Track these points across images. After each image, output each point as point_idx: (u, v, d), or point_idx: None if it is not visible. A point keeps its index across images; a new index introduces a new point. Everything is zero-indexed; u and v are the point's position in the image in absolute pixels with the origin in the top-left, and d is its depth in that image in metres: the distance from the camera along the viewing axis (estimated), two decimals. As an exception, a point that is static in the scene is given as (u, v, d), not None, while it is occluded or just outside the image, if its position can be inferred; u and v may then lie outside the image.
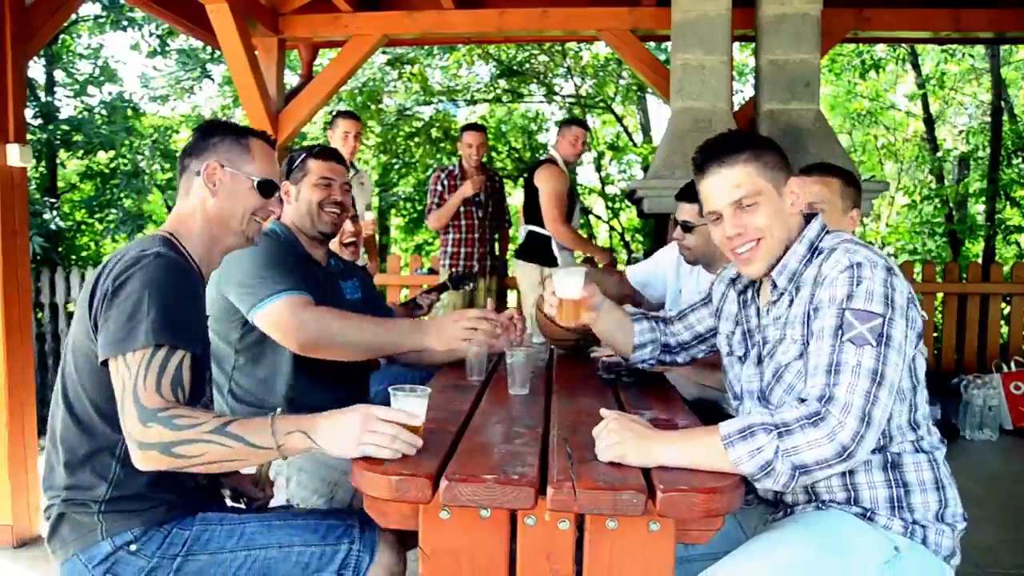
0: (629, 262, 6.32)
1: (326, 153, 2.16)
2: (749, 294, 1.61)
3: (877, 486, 1.39)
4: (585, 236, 4.41)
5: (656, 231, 5.77)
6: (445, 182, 4.65)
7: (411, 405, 1.32)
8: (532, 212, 4.34)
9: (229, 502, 1.71)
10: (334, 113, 4.66)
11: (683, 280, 2.70)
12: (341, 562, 1.44)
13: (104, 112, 8.62)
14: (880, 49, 9.58)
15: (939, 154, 9.49)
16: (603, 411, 1.35)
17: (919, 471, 1.40)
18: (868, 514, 1.39)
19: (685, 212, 2.44)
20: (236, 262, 1.89)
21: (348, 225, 2.64)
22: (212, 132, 1.59)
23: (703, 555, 1.55)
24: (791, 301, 1.46)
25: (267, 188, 1.59)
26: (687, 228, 2.43)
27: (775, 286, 1.49)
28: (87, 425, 1.40)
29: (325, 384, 2.01)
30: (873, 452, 1.38)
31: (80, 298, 1.43)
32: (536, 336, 2.67)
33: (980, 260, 8.51)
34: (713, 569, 1.32)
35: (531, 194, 4.36)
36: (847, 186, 2.02)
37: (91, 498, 1.39)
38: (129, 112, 8.84)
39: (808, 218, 1.51)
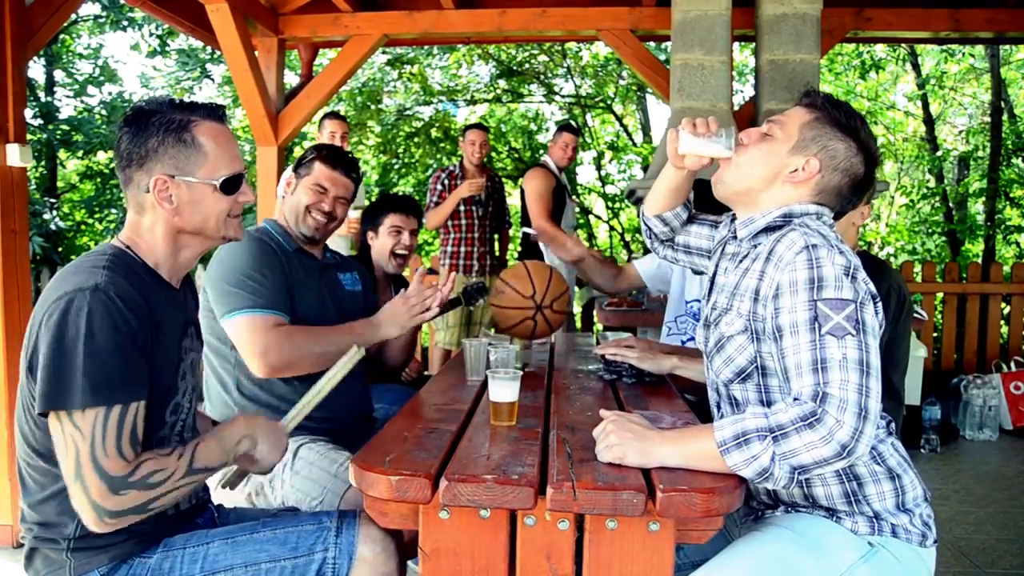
0: (628, 261, 6.34)
1: (335, 160, 2.13)
2: (726, 237, 1.59)
3: (829, 482, 1.38)
4: (568, 235, 4.50)
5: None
6: (446, 182, 4.66)
7: (508, 386, 1.49)
8: (525, 215, 4.52)
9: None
10: (321, 115, 4.69)
11: (687, 276, 2.68)
12: (316, 573, 1.38)
13: (104, 112, 8.63)
14: (880, 49, 9.59)
15: (939, 154, 9.49)
16: (603, 411, 1.35)
17: (867, 464, 1.39)
18: (833, 515, 1.39)
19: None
20: (219, 261, 1.91)
21: (405, 238, 2.78)
22: (147, 132, 1.34)
23: (686, 564, 1.55)
24: (745, 271, 1.43)
25: (232, 184, 1.39)
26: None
27: (735, 237, 1.49)
28: (50, 461, 1.29)
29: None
30: None
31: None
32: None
33: (980, 260, 8.52)
34: (696, 575, 1.32)
35: (523, 198, 4.54)
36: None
37: (60, 535, 1.32)
38: (129, 112, 8.86)
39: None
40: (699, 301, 2.56)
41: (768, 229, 1.43)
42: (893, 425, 1.49)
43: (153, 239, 1.38)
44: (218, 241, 1.44)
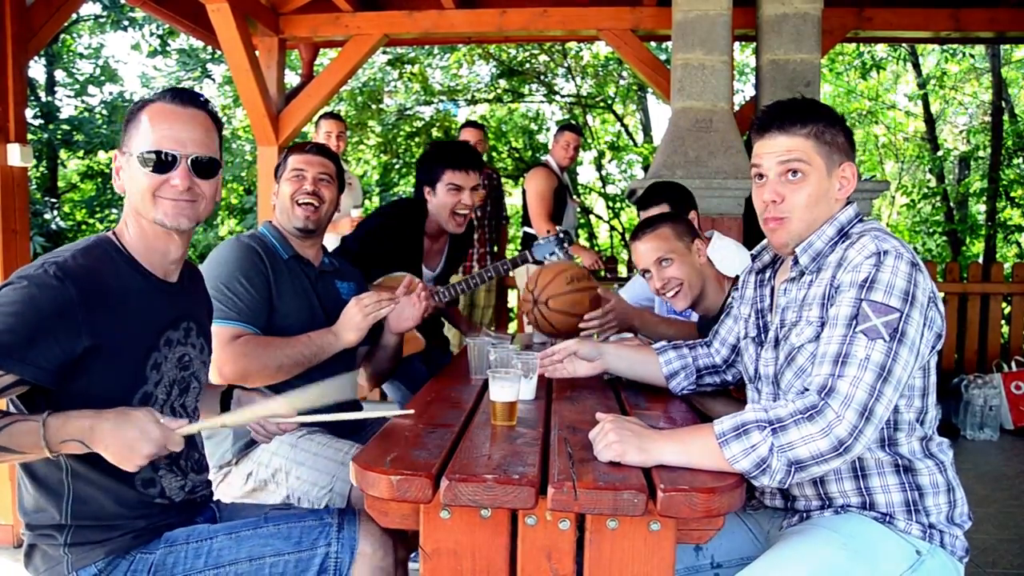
0: (629, 262, 6.35)
1: (302, 147, 2.16)
2: (767, 274, 1.60)
3: (892, 490, 1.38)
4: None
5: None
6: (445, 182, 4.65)
7: (508, 385, 1.48)
8: (527, 214, 4.53)
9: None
10: (319, 115, 4.78)
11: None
12: (319, 567, 1.39)
13: (105, 112, 8.63)
14: (881, 49, 9.59)
15: (939, 153, 9.49)
16: (599, 415, 1.35)
17: (931, 475, 1.38)
18: (887, 519, 1.38)
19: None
20: (206, 266, 1.91)
21: (466, 197, 2.63)
22: (126, 117, 1.42)
23: (714, 564, 1.53)
24: (811, 283, 1.43)
25: (153, 161, 1.34)
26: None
27: (796, 263, 1.46)
28: None
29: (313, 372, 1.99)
30: (884, 453, 1.37)
31: None
32: (536, 336, 2.67)
33: (981, 260, 8.52)
34: (743, 574, 1.31)
35: (524, 197, 4.56)
36: (678, 227, 2.13)
37: (54, 524, 1.33)
38: (129, 112, 8.88)
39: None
40: None
41: (831, 247, 1.42)
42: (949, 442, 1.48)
43: (128, 221, 1.42)
44: (151, 223, 1.38)
